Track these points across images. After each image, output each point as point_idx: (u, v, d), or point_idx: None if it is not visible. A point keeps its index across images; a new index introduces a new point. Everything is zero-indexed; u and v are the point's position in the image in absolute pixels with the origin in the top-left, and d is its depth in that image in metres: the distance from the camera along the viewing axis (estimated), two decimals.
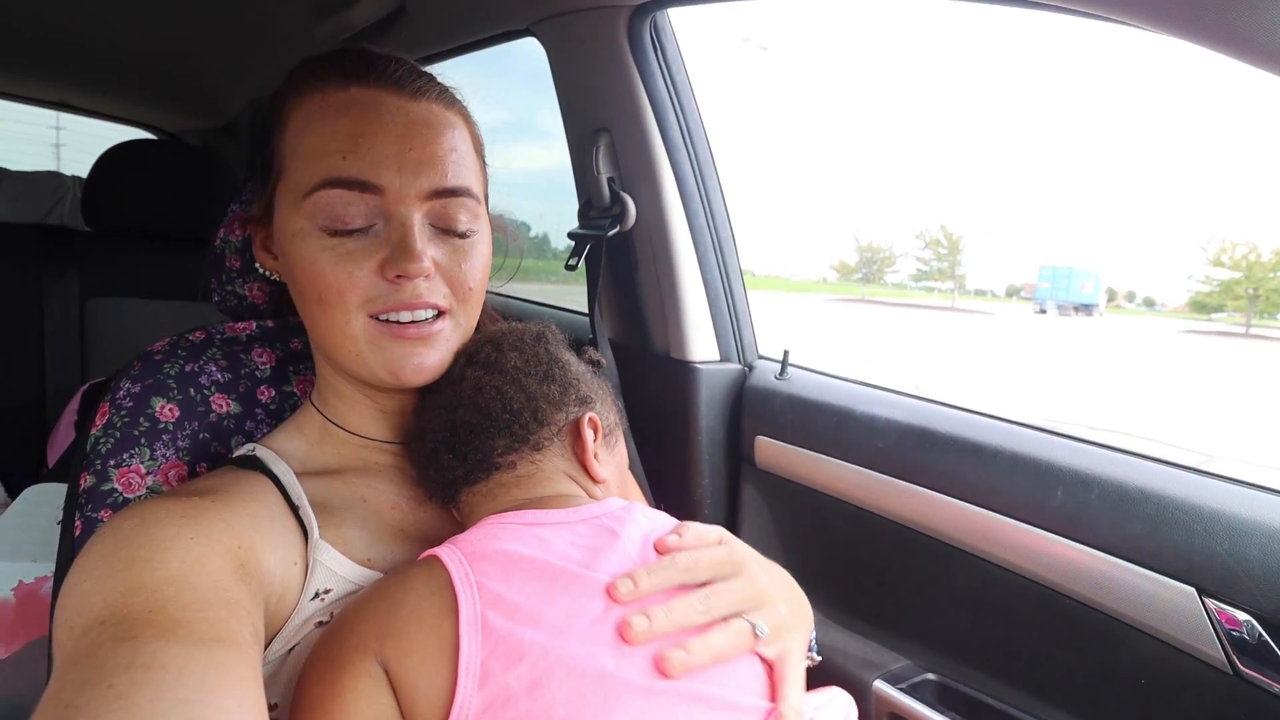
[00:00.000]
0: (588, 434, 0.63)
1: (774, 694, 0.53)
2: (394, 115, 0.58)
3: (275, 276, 0.66)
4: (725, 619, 0.52)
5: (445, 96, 0.62)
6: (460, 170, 0.60)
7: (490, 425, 0.60)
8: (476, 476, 0.60)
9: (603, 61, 1.05)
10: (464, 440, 0.60)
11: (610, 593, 0.50)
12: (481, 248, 0.63)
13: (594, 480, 0.63)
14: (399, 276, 0.57)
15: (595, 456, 0.63)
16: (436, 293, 0.59)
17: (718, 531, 0.59)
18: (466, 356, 0.64)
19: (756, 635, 0.53)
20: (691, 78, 1.09)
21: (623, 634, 0.48)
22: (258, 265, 0.66)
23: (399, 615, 0.49)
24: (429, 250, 0.58)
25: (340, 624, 0.51)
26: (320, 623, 0.54)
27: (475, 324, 0.65)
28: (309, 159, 0.57)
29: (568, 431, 0.63)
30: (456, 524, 0.63)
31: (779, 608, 0.55)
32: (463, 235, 0.61)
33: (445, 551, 0.52)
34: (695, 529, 0.58)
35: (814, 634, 0.67)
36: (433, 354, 0.60)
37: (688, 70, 1.08)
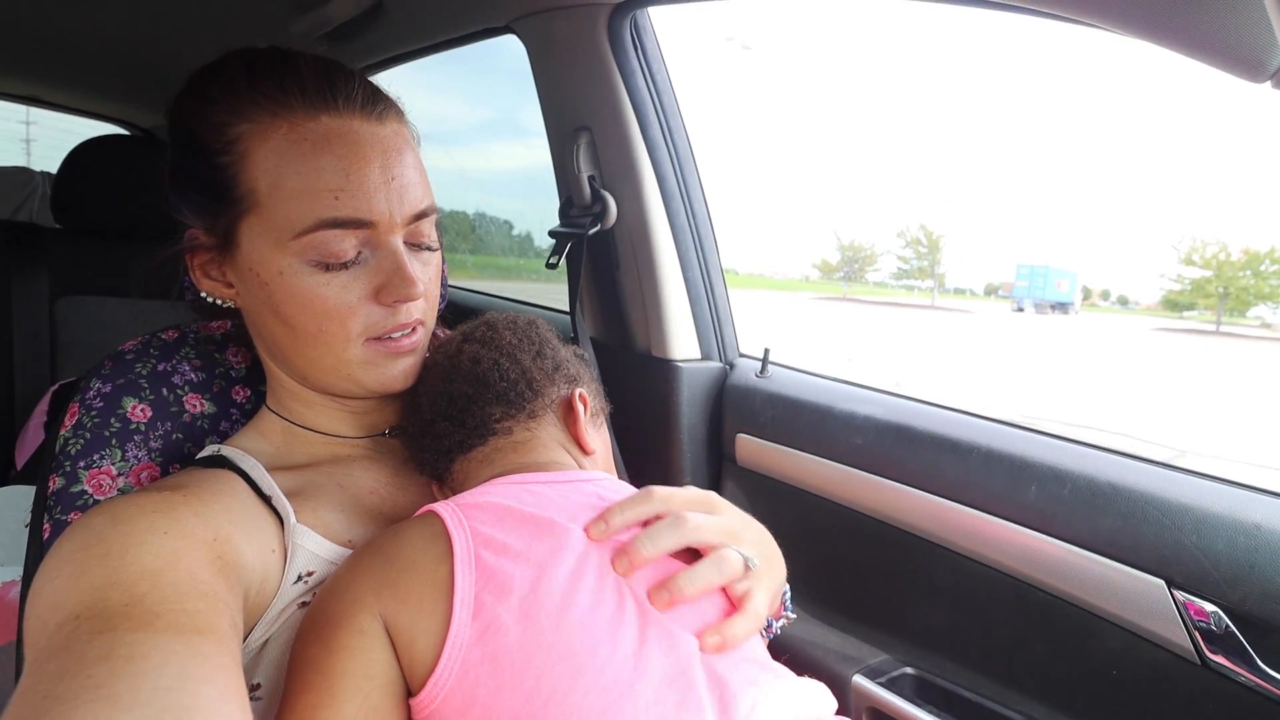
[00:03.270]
0: (579, 407, 0.66)
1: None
2: (371, 146, 0.57)
3: (226, 304, 0.63)
4: (710, 548, 0.53)
5: (398, 111, 0.62)
6: (427, 188, 0.62)
7: (487, 393, 0.62)
8: (473, 443, 0.62)
9: (583, 59, 1.04)
10: (461, 409, 0.62)
11: (587, 532, 0.52)
12: (439, 255, 0.66)
13: (584, 452, 0.65)
14: (396, 301, 0.59)
15: (585, 431, 0.66)
16: (418, 308, 0.62)
17: (706, 493, 0.60)
18: (463, 335, 0.68)
19: (748, 567, 0.54)
20: (673, 77, 1.09)
21: (614, 566, 0.51)
22: (203, 293, 0.63)
23: (394, 566, 0.50)
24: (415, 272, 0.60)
25: (335, 583, 0.51)
26: (304, 604, 0.54)
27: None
28: (297, 198, 0.55)
29: (559, 405, 0.66)
30: None
31: (750, 549, 0.57)
32: (430, 249, 0.64)
33: (439, 505, 0.53)
34: (685, 489, 0.59)
35: (788, 592, 0.68)
36: (414, 359, 0.64)
37: (668, 69, 1.08)
